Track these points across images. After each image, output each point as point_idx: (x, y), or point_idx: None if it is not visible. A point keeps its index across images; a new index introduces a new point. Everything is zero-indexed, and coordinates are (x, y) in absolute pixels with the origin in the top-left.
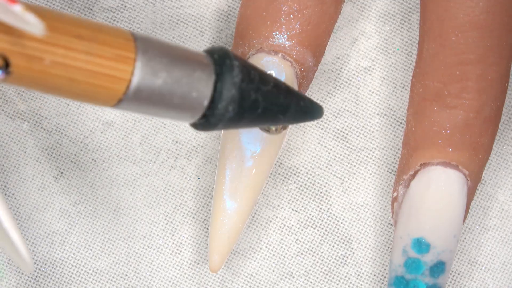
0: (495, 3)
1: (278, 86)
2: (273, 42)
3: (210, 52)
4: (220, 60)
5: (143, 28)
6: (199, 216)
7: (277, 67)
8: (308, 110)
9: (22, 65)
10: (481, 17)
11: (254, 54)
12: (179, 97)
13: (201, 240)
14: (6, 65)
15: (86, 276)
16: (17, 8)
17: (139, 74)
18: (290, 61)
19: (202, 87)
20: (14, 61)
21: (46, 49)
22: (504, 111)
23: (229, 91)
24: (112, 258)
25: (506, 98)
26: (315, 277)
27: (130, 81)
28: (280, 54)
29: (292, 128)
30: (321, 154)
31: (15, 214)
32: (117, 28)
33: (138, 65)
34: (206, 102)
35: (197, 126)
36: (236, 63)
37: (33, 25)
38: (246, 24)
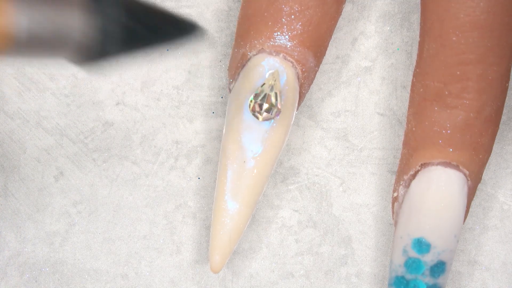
0: (495, 3)
1: (150, 8)
2: (274, 42)
3: None
4: None
5: None
6: (199, 216)
7: (278, 68)
8: (183, 28)
9: None
10: (482, 17)
11: (255, 55)
12: (55, 36)
13: (201, 240)
14: None
15: (86, 276)
16: None
17: (16, 19)
18: (291, 62)
19: (76, 23)
20: None
21: None
22: (504, 111)
23: (104, 22)
24: (112, 258)
25: (506, 98)
26: (315, 277)
27: (7, 30)
28: (281, 55)
29: (292, 128)
30: (321, 154)
31: (15, 214)
32: None
33: (13, 10)
34: (82, 37)
35: (75, 61)
36: None
37: None
38: (247, 24)
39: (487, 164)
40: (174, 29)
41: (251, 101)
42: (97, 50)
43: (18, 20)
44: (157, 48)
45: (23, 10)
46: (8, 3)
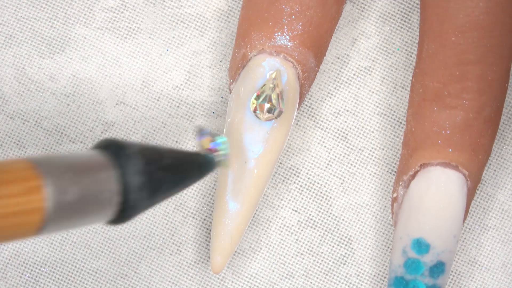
0: (495, 3)
1: (174, 156)
2: (275, 43)
3: (103, 147)
4: (117, 152)
5: (143, 28)
6: (199, 216)
7: (278, 68)
8: (205, 165)
9: None
10: (481, 17)
11: (255, 55)
12: (93, 203)
13: (201, 240)
14: None
15: (86, 276)
16: None
17: (51, 198)
18: (292, 62)
19: (110, 186)
20: None
21: None
22: (504, 111)
23: (136, 180)
24: (112, 258)
25: (506, 98)
26: (315, 277)
27: (44, 208)
28: (281, 55)
29: (292, 128)
30: (321, 154)
31: None
32: (15, 159)
33: (48, 189)
34: (118, 199)
35: (115, 222)
36: (131, 150)
37: None
38: (247, 25)
39: (487, 164)
40: (194, 168)
41: (253, 101)
42: (130, 207)
43: (51, 195)
44: (182, 190)
45: (57, 184)
46: (40, 179)
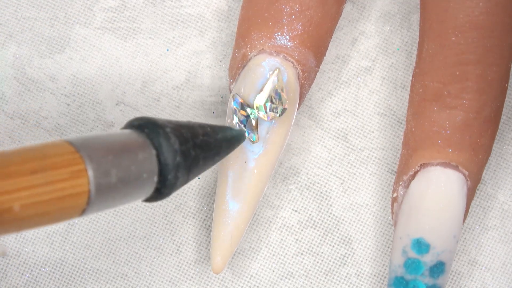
0: (495, 3)
1: (206, 132)
2: (275, 43)
3: (139, 127)
4: (153, 132)
5: (143, 28)
6: (199, 216)
7: (278, 68)
8: (235, 139)
9: None
10: (481, 17)
11: (256, 55)
12: (133, 184)
13: (201, 240)
14: None
15: (86, 276)
16: None
17: (94, 180)
18: (291, 62)
19: (148, 166)
20: None
21: (11, 197)
22: (504, 111)
23: (173, 159)
24: (112, 258)
25: (506, 98)
26: (315, 277)
27: (89, 191)
28: (281, 55)
29: (292, 128)
30: (321, 154)
31: None
32: (57, 143)
33: (91, 173)
34: (155, 178)
35: (150, 199)
36: (168, 129)
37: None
38: (247, 25)
39: (487, 164)
40: (225, 142)
41: (255, 103)
42: (168, 185)
43: (94, 178)
44: (214, 164)
45: (99, 168)
46: (85, 164)
